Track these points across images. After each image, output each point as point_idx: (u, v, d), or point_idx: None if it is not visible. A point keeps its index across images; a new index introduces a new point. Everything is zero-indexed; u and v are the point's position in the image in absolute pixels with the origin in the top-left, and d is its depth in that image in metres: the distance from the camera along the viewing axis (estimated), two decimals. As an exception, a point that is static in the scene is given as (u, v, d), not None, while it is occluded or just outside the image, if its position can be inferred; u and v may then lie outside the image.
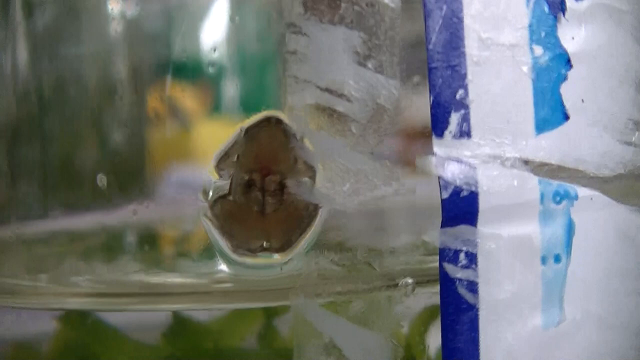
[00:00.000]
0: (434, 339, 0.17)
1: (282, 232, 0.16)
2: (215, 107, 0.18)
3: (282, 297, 0.16)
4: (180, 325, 0.20)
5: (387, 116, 0.15)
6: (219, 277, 0.17)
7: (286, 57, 0.15)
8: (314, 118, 0.16)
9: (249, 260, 0.16)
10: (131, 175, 0.18)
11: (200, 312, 0.19)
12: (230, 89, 0.18)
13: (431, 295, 0.17)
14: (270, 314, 0.19)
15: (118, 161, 0.18)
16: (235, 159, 0.16)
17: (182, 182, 0.18)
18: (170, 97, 0.18)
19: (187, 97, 0.18)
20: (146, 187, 0.18)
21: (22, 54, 0.20)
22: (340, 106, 0.15)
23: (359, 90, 0.15)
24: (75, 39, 0.19)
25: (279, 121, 0.16)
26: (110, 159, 0.18)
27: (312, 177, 0.16)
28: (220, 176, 0.16)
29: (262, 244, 0.16)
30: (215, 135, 0.18)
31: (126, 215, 0.18)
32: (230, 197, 0.16)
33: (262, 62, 0.18)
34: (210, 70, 0.18)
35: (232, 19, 0.18)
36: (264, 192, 0.16)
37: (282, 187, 0.16)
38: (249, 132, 0.16)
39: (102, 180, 0.17)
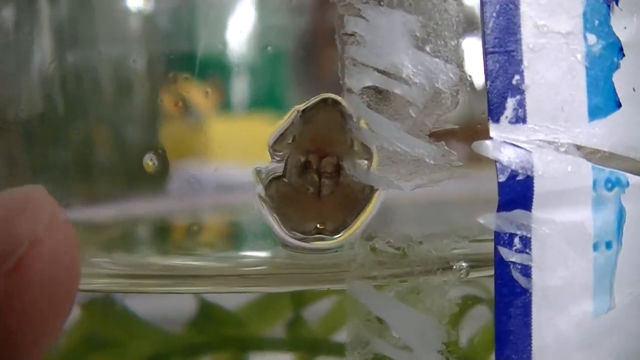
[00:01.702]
0: (466, 329, 0.17)
1: (337, 215, 0.16)
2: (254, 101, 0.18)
3: (336, 280, 0.16)
4: (206, 312, 0.20)
5: (445, 100, 0.16)
6: (273, 259, 0.17)
7: (344, 39, 0.15)
8: (372, 100, 0.16)
9: (303, 242, 0.16)
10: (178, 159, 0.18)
11: (228, 300, 0.19)
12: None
13: (468, 284, 0.17)
14: (298, 303, 0.19)
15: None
16: (291, 140, 0.16)
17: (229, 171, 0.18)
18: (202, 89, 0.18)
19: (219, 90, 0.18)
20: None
21: (47, 48, 0.19)
22: (399, 89, 0.16)
23: (417, 74, 0.16)
24: (96, 32, 0.19)
25: (336, 103, 0.16)
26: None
27: (369, 160, 0.16)
28: (275, 158, 0.16)
29: (317, 226, 0.16)
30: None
31: (171, 201, 0.18)
32: (286, 179, 0.16)
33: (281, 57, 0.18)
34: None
35: (252, 11, 0.18)
36: (320, 174, 0.16)
37: (338, 169, 0.16)
38: (306, 113, 0.16)
39: (152, 159, 0.17)
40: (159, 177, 0.18)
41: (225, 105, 0.18)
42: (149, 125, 0.19)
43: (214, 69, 0.18)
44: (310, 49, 0.18)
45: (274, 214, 0.16)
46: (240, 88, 0.18)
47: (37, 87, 0.20)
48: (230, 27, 0.18)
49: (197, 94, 0.18)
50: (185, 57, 0.18)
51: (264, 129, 0.17)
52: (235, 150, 0.18)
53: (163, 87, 0.18)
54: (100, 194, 0.20)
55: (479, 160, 0.16)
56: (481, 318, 0.18)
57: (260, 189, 0.16)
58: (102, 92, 0.19)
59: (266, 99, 0.18)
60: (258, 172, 0.16)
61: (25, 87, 0.20)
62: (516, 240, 0.16)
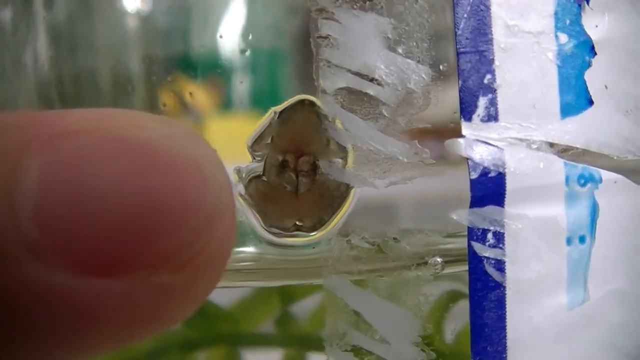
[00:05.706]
0: (450, 325, 0.18)
1: (314, 212, 0.17)
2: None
3: (315, 275, 0.17)
4: (200, 309, 0.20)
5: (417, 100, 0.16)
6: (249, 256, 0.18)
7: (318, 42, 0.16)
8: (346, 101, 0.16)
9: (282, 239, 0.17)
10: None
11: (220, 296, 0.20)
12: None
13: (453, 280, 0.17)
14: (286, 300, 0.20)
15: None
16: (269, 140, 0.17)
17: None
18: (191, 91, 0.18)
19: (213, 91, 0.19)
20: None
21: (43, 47, 0.20)
22: (372, 90, 0.16)
23: (389, 75, 0.16)
24: (92, 33, 0.20)
25: (312, 104, 0.16)
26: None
27: (344, 158, 0.16)
28: (255, 157, 0.17)
29: (295, 223, 0.17)
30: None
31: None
32: (264, 178, 0.17)
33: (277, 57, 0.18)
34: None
35: (246, 12, 0.18)
36: (297, 173, 0.17)
37: (314, 167, 0.16)
38: (283, 114, 0.16)
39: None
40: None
41: (221, 104, 0.18)
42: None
43: (209, 68, 0.18)
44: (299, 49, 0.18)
45: (254, 212, 0.17)
46: (233, 88, 0.19)
47: (34, 88, 0.20)
48: (223, 26, 0.18)
49: (194, 93, 0.18)
50: (181, 57, 0.19)
51: (248, 128, 0.17)
52: (229, 148, 0.19)
53: (160, 87, 0.19)
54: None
55: (453, 156, 0.16)
56: (463, 314, 0.18)
57: (240, 187, 0.17)
58: (99, 93, 0.20)
59: (258, 98, 0.18)
60: (238, 172, 0.17)
61: (22, 88, 0.20)
62: (489, 235, 0.16)
